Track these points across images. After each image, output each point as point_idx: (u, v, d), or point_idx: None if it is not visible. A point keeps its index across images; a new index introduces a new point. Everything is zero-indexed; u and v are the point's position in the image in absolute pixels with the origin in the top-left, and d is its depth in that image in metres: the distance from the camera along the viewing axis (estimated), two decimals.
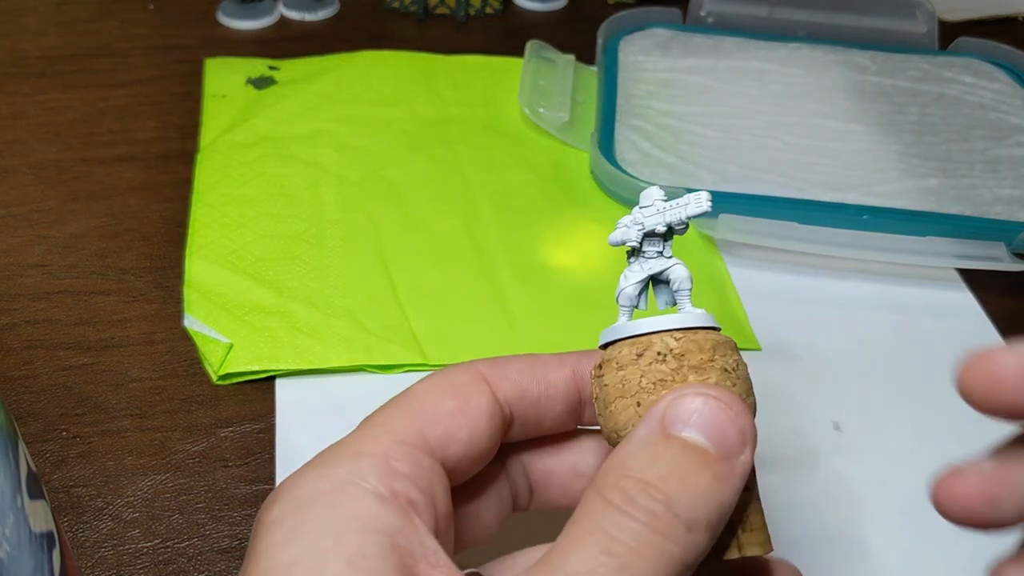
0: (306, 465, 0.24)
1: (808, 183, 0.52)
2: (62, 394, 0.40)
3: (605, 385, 0.25)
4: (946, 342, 0.46)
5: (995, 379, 0.21)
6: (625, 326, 0.25)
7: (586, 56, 0.62)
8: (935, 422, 0.42)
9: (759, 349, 0.45)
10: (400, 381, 0.42)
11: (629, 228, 0.26)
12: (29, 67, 0.59)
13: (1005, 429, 0.24)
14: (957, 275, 0.50)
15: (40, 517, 0.22)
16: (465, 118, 0.57)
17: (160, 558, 0.35)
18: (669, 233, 0.26)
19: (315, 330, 0.43)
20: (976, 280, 0.49)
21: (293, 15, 0.66)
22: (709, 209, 0.25)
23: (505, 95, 0.59)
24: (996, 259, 0.48)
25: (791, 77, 0.61)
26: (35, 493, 0.22)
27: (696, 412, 0.23)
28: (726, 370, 0.24)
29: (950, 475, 0.22)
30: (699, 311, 0.25)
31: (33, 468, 0.22)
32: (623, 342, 0.25)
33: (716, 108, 0.57)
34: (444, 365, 0.42)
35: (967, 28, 0.70)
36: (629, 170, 0.51)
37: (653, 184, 0.50)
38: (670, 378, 0.24)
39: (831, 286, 0.49)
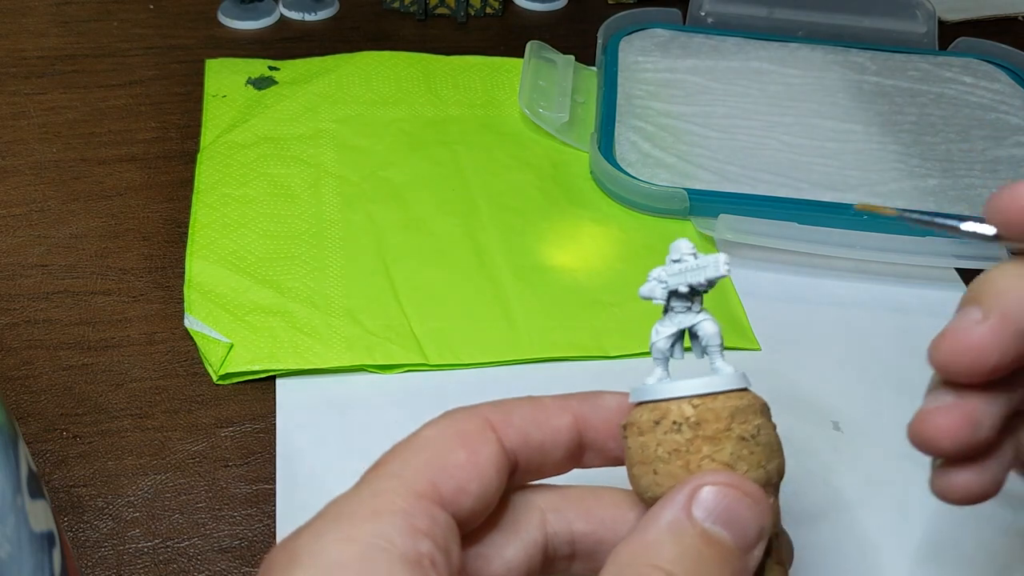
0: (322, 522, 0.23)
1: (807, 183, 0.52)
2: (62, 394, 0.40)
3: (628, 447, 0.25)
4: None
5: (969, 349, 0.24)
6: (649, 388, 0.25)
7: (586, 56, 0.62)
8: None
9: (759, 349, 0.45)
10: (400, 381, 0.42)
11: (656, 285, 0.26)
12: (29, 67, 0.59)
13: None
14: (957, 275, 0.50)
15: (40, 517, 0.22)
16: (465, 118, 0.57)
17: (160, 558, 0.35)
18: (694, 292, 0.26)
19: (315, 330, 0.43)
20: None
21: (293, 15, 0.66)
22: (726, 274, 0.25)
23: (505, 95, 0.59)
24: (996, 259, 0.48)
25: (791, 77, 0.61)
26: (35, 493, 0.22)
27: (721, 505, 0.23)
28: (743, 438, 0.24)
29: (926, 414, 0.25)
30: (728, 370, 0.25)
31: (33, 468, 0.22)
32: (645, 406, 0.25)
33: (716, 108, 0.58)
34: (444, 365, 0.42)
35: (967, 28, 0.70)
36: (629, 170, 0.51)
37: (653, 184, 0.50)
38: (684, 448, 0.24)
39: (831, 286, 0.49)
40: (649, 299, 0.27)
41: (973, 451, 0.25)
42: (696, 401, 0.25)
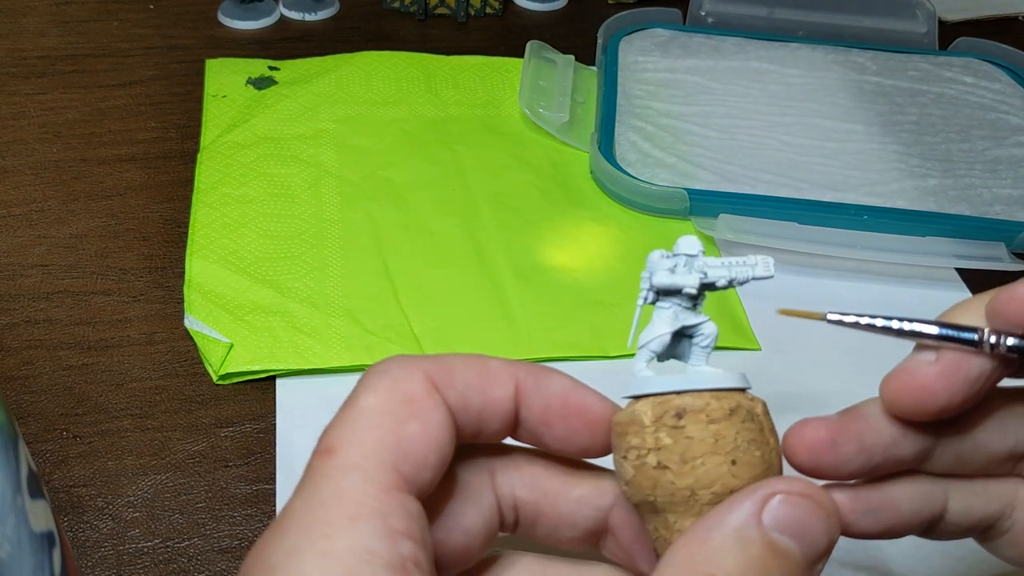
0: (295, 534, 0.21)
1: (808, 183, 0.52)
2: (62, 394, 0.40)
3: (689, 438, 0.23)
4: None
5: (917, 389, 0.24)
6: (698, 378, 0.24)
7: (586, 56, 0.62)
8: None
9: (759, 349, 0.45)
10: None
11: (687, 274, 0.25)
12: (29, 67, 0.59)
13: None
14: (957, 275, 0.50)
15: (40, 517, 0.22)
16: (465, 118, 0.57)
17: (160, 558, 0.35)
18: (715, 288, 0.26)
19: (315, 330, 0.43)
20: (976, 280, 0.49)
21: (293, 15, 0.66)
22: (773, 275, 0.25)
23: (505, 95, 0.59)
24: (996, 259, 0.48)
25: (791, 77, 0.61)
26: (35, 493, 0.22)
27: (793, 515, 0.22)
28: (776, 432, 0.25)
29: (799, 424, 0.25)
30: (719, 371, 0.25)
31: (33, 468, 0.22)
32: (704, 394, 0.24)
33: (716, 108, 0.58)
34: None
35: (967, 28, 0.70)
36: (629, 170, 0.51)
37: (653, 184, 0.50)
38: (759, 438, 0.24)
39: (831, 286, 0.49)
40: (678, 288, 0.25)
41: (832, 474, 0.25)
42: (749, 395, 0.24)
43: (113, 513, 0.36)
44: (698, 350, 0.26)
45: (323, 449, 0.23)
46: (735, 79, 0.60)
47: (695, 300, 0.26)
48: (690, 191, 0.50)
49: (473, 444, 0.26)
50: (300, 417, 0.40)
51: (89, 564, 0.34)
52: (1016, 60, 0.63)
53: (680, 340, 0.26)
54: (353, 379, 0.41)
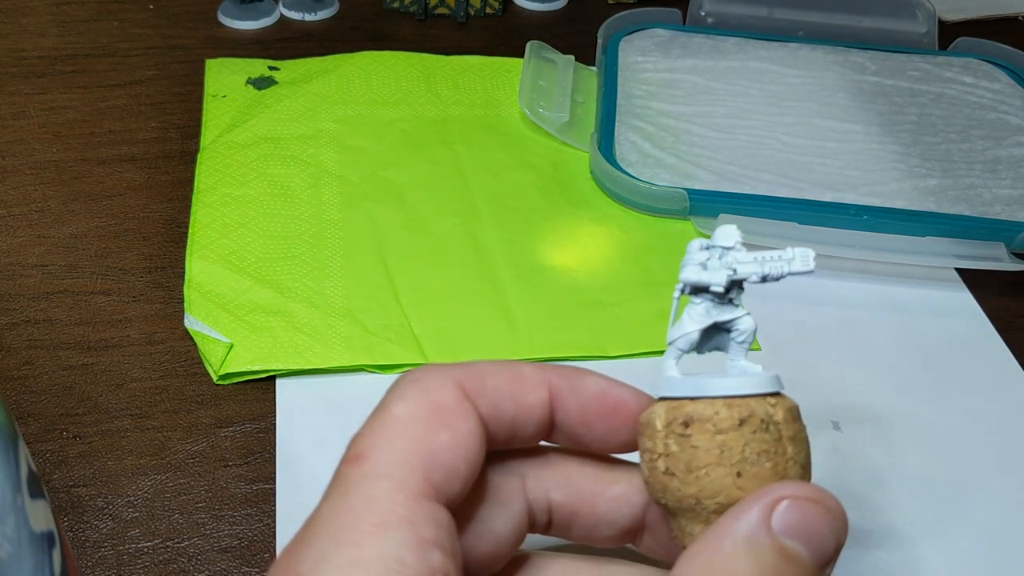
0: (323, 542, 0.21)
1: (808, 183, 0.52)
2: (62, 394, 0.40)
3: (694, 447, 0.23)
4: (945, 342, 0.46)
5: None
6: (713, 383, 0.23)
7: (586, 56, 0.62)
8: (935, 421, 0.42)
9: (759, 349, 0.45)
10: None
11: (715, 271, 0.24)
12: (29, 67, 0.59)
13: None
14: (956, 275, 0.50)
15: (40, 517, 0.22)
16: (465, 118, 0.57)
17: (160, 558, 0.35)
18: (740, 285, 0.25)
19: (315, 330, 0.43)
20: (975, 280, 0.49)
21: (293, 15, 0.66)
22: (813, 270, 0.24)
23: (505, 95, 0.59)
24: (995, 259, 0.48)
25: (791, 77, 0.61)
26: (35, 493, 0.22)
27: (802, 520, 0.22)
28: (807, 440, 0.24)
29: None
30: (757, 369, 0.24)
31: (33, 468, 0.22)
32: (716, 401, 0.23)
33: (716, 108, 0.58)
34: None
35: (967, 28, 0.70)
36: (629, 170, 0.51)
37: (653, 184, 0.50)
38: (773, 449, 0.23)
39: (831, 286, 0.49)
40: (705, 286, 0.24)
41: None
42: (772, 400, 0.23)
43: (113, 513, 0.36)
44: (735, 345, 0.25)
45: (352, 456, 0.23)
46: (735, 79, 0.60)
47: (728, 295, 0.25)
48: (690, 191, 0.50)
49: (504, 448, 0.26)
50: (300, 417, 0.40)
51: (89, 564, 0.34)
52: (1016, 60, 0.63)
53: (719, 333, 0.25)
54: (353, 379, 0.42)
